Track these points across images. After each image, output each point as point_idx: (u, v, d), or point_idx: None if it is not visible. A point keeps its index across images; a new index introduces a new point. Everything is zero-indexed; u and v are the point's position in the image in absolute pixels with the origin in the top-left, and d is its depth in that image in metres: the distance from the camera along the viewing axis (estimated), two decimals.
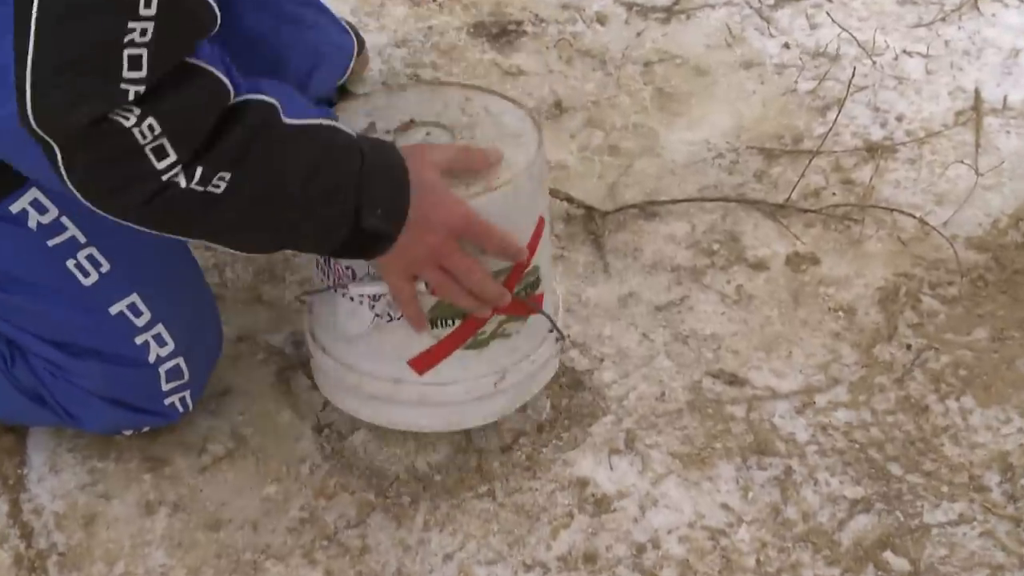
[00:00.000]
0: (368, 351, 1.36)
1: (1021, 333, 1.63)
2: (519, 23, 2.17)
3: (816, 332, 1.64)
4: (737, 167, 1.89)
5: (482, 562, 1.39)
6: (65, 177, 1.07)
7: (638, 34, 2.15)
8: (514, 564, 1.38)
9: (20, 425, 1.52)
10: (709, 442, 1.50)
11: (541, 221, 1.34)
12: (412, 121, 1.34)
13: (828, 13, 2.14)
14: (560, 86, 2.04)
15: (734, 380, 1.57)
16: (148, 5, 1.02)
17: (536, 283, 1.36)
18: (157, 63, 1.04)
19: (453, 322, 1.32)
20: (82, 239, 1.33)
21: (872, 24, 2.13)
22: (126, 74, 1.03)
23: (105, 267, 1.34)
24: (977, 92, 2.00)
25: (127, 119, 1.04)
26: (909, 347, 1.61)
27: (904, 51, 2.08)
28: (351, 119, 1.33)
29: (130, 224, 1.13)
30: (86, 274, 1.34)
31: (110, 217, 1.12)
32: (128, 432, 1.48)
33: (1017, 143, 1.92)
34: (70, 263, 1.33)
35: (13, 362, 1.42)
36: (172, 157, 1.07)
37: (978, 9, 2.15)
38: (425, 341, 1.33)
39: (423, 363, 1.35)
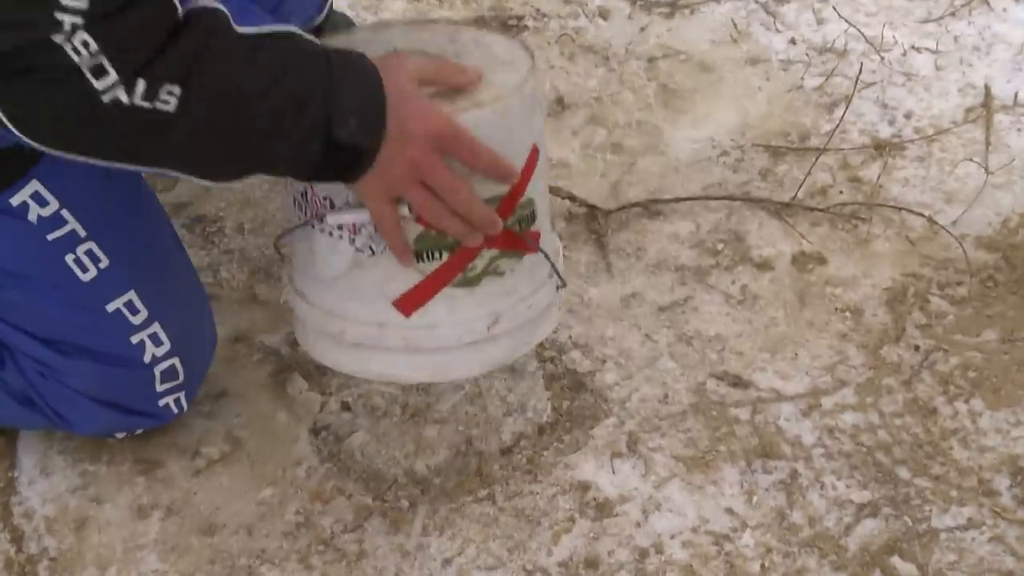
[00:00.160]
0: (350, 292, 1.28)
1: None
2: (520, 18, 2.16)
3: (822, 333, 1.63)
4: (742, 165, 1.89)
5: (482, 567, 1.38)
6: None
7: (641, 29, 2.14)
8: (514, 569, 1.38)
9: (10, 428, 1.52)
10: (713, 445, 1.50)
11: (535, 150, 1.26)
12: (396, 51, 1.25)
13: (835, 8, 2.14)
14: (562, 82, 2.04)
15: (739, 382, 1.57)
16: None
17: (531, 218, 1.27)
18: None
19: (440, 255, 1.23)
20: (82, 233, 1.32)
21: (880, 19, 2.13)
22: (64, 1, 0.98)
23: (104, 263, 1.34)
24: (987, 88, 1.99)
25: (62, 39, 0.99)
26: (917, 348, 1.61)
27: (913, 47, 2.07)
28: None
29: (78, 157, 1.08)
30: (84, 270, 1.33)
31: (55, 152, 1.07)
32: (120, 435, 1.48)
33: None
34: (69, 258, 1.32)
35: (3, 365, 1.41)
36: (112, 76, 1.01)
37: (988, 4, 2.15)
38: (411, 278, 1.25)
39: (409, 303, 1.26)
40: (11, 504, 1.46)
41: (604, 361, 1.59)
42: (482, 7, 2.20)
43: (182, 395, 1.45)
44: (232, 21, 1.09)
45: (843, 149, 1.89)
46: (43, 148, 1.07)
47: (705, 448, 1.49)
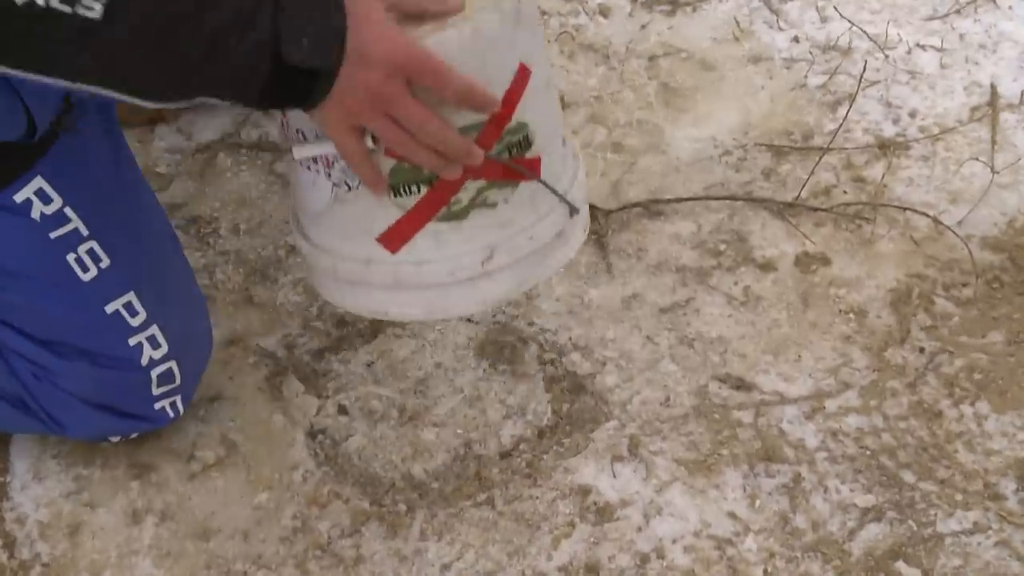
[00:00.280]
0: (335, 228, 1.21)
1: None
2: None
3: (826, 335, 1.63)
4: (744, 164, 1.88)
5: (481, 572, 1.38)
6: None
7: (642, 27, 2.13)
8: (514, 574, 1.38)
9: (3, 432, 1.51)
10: (715, 448, 1.49)
11: (523, 70, 1.15)
12: None
13: (836, 8, 2.13)
14: (562, 81, 2.03)
15: (741, 384, 1.56)
16: None
17: (525, 143, 1.18)
18: None
19: (419, 189, 1.15)
20: (84, 231, 1.31)
21: (884, 16, 2.12)
22: None
23: (105, 263, 1.33)
24: (993, 87, 1.98)
25: None
26: (922, 350, 1.60)
27: (918, 45, 2.07)
28: None
29: None
30: (85, 269, 1.32)
31: None
32: (115, 438, 1.48)
33: None
34: (70, 257, 1.31)
35: None
36: None
37: (994, 1, 2.14)
38: (392, 213, 1.17)
39: (393, 239, 1.19)
40: (3, 509, 1.45)
41: (604, 363, 1.59)
42: None
43: (178, 399, 1.44)
44: None
45: (847, 148, 1.88)
46: None
47: (707, 451, 1.49)
